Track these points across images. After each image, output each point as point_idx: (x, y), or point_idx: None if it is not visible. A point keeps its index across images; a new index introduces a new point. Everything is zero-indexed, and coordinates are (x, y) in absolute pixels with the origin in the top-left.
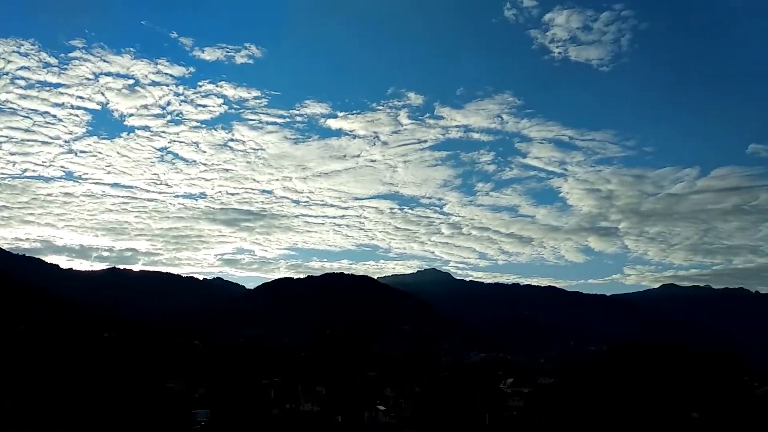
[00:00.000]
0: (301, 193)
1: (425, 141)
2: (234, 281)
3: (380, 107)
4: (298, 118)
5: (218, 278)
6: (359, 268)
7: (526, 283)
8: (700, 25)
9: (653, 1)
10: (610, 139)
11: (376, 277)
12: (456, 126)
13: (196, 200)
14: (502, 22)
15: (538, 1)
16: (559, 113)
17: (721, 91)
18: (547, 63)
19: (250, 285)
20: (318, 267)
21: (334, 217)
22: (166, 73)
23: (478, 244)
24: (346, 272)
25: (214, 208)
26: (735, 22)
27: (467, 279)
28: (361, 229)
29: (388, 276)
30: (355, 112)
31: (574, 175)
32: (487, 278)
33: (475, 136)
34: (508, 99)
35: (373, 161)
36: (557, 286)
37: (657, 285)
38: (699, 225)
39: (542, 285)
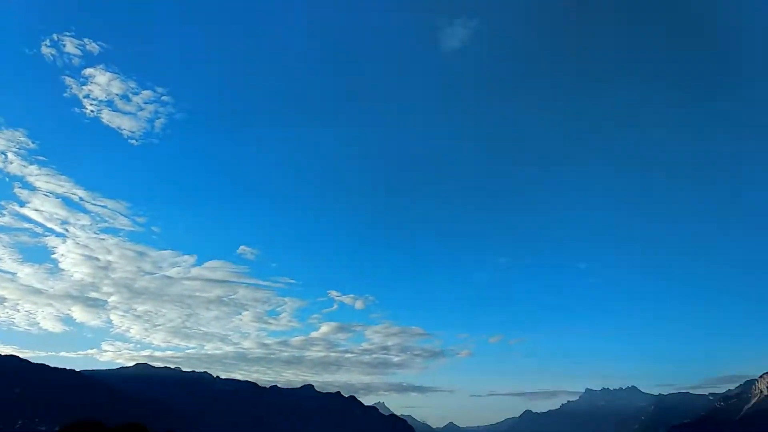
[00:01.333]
0: None
1: None
2: None
3: None
4: None
5: None
6: None
7: None
8: (249, 136)
9: (193, 96)
10: (122, 211)
11: None
12: None
13: None
14: (37, 57)
15: (81, 52)
16: (76, 171)
17: (229, 197)
18: (78, 116)
19: None
20: None
21: None
22: None
23: None
24: None
25: None
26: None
27: None
28: None
29: None
30: None
31: (75, 238)
32: None
33: None
34: (20, 138)
35: None
36: (21, 356)
37: (131, 363)
38: (184, 309)
39: (2, 354)
